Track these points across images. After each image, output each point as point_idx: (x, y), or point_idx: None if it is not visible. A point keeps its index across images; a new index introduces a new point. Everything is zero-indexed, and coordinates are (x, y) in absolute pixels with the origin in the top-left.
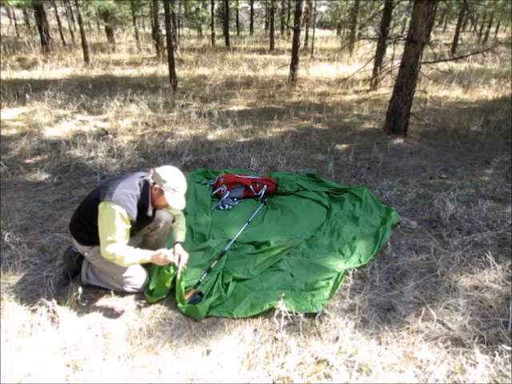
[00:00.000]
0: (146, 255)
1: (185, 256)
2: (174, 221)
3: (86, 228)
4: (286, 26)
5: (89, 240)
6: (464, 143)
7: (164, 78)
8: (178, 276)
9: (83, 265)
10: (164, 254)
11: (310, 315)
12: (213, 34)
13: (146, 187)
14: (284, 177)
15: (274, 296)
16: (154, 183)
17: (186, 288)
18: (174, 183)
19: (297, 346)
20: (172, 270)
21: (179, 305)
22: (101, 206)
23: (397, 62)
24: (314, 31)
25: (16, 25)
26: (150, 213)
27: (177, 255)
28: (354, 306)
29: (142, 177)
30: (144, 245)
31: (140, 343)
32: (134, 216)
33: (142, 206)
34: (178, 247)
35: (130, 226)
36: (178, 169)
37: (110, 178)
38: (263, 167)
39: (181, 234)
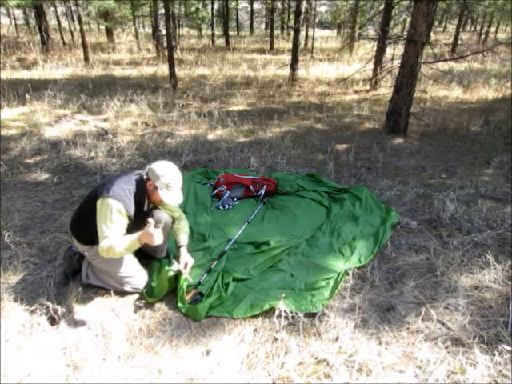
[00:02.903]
0: (134, 237)
1: (191, 261)
2: (173, 222)
3: (86, 227)
4: (286, 26)
5: (89, 240)
6: (464, 143)
7: (164, 77)
8: (183, 276)
9: (83, 264)
10: (150, 232)
11: (310, 315)
12: (213, 34)
13: (141, 182)
14: (284, 177)
15: (274, 296)
16: (149, 179)
17: (187, 288)
18: (167, 179)
19: (297, 345)
20: (172, 272)
21: (179, 304)
22: (98, 202)
23: (397, 62)
24: (314, 31)
25: (16, 25)
26: (145, 208)
27: (183, 261)
28: (354, 306)
29: (139, 173)
30: (143, 247)
31: (140, 343)
32: (132, 211)
33: (139, 202)
34: (184, 251)
35: (127, 222)
36: (177, 167)
37: (108, 177)
38: (263, 167)
39: (184, 237)
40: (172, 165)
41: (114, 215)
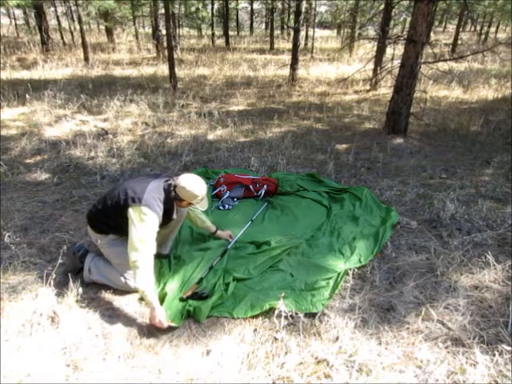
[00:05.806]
0: (151, 295)
1: (228, 232)
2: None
3: (107, 222)
4: (286, 26)
5: (105, 231)
6: (464, 143)
7: (164, 77)
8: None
9: (86, 260)
10: (159, 321)
11: (310, 315)
12: (213, 34)
13: (169, 191)
14: (284, 177)
15: (274, 296)
16: (182, 199)
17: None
18: (202, 194)
19: (297, 345)
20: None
21: (183, 304)
22: (130, 210)
23: (397, 62)
24: (313, 31)
25: (16, 25)
26: (174, 216)
27: (227, 235)
28: (354, 305)
29: (167, 181)
30: None
31: (140, 343)
32: (161, 218)
33: (168, 209)
34: (221, 231)
35: (158, 229)
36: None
37: (136, 177)
38: (263, 167)
39: (210, 224)
40: (198, 179)
41: (148, 225)
